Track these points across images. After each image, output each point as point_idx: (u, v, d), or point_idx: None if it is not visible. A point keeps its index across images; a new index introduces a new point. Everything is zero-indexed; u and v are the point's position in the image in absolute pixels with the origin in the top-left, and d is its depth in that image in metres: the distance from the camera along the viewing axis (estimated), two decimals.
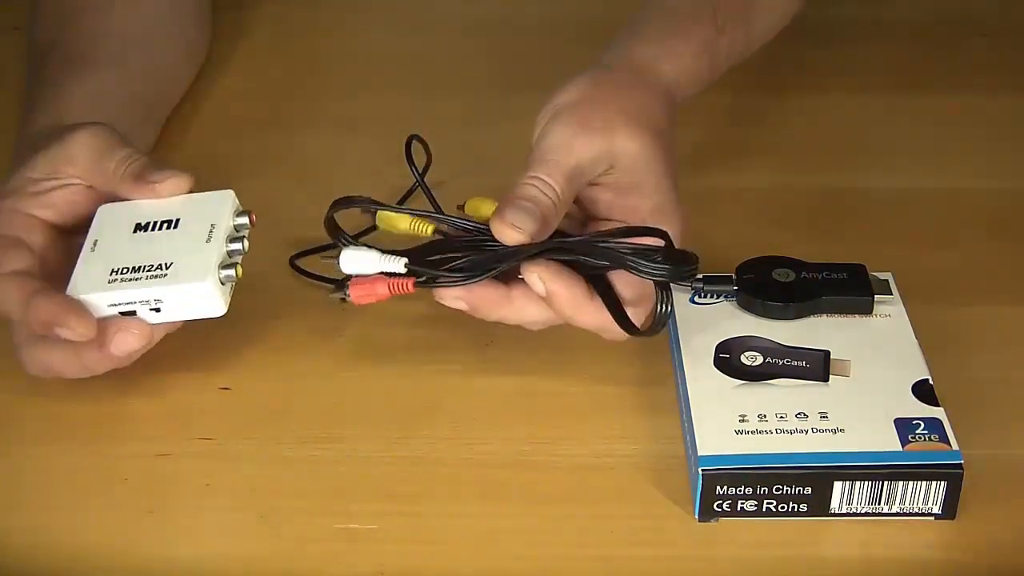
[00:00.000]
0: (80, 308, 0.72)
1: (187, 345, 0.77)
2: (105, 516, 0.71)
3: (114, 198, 0.77)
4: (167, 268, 0.73)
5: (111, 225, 0.75)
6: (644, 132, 0.76)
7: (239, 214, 0.75)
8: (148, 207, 0.76)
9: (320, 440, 0.75)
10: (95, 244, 0.75)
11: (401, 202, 0.89)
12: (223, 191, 0.75)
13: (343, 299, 0.73)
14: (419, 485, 0.73)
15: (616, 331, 0.74)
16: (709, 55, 0.84)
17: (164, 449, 0.74)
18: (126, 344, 0.72)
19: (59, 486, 0.73)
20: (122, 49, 0.92)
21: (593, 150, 0.75)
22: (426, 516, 0.71)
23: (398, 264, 0.72)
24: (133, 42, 0.93)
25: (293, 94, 1.03)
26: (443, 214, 0.75)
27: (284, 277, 0.85)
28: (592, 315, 0.73)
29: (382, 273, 0.73)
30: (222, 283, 0.73)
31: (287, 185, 0.93)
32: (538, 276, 0.72)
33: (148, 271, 0.73)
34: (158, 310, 0.72)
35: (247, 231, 0.75)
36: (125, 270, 0.73)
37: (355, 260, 0.73)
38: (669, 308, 0.72)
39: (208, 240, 0.73)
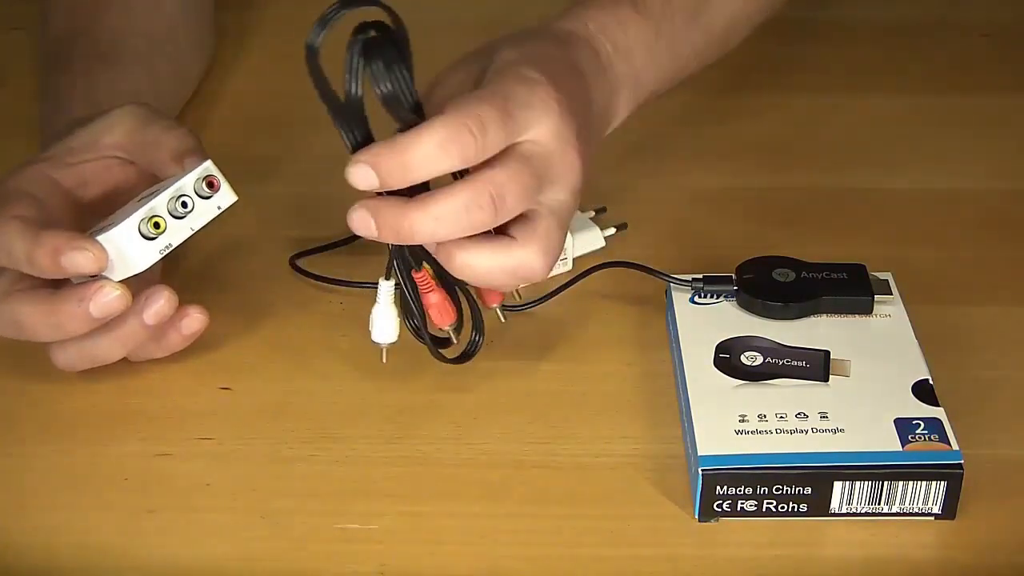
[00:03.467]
0: (93, 239, 0.72)
1: (187, 345, 0.77)
2: (105, 516, 0.71)
3: (152, 171, 0.77)
4: (108, 227, 0.73)
5: (134, 199, 0.77)
6: (521, 45, 0.74)
7: (204, 180, 0.74)
8: (163, 183, 0.76)
9: (320, 440, 0.75)
10: (111, 215, 0.76)
11: None
12: (202, 159, 0.75)
13: (449, 339, 0.74)
14: (419, 485, 0.73)
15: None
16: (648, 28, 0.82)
17: (164, 449, 0.74)
18: (107, 304, 0.72)
19: (59, 486, 0.73)
20: (146, 49, 0.92)
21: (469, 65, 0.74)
22: (426, 516, 0.71)
23: (389, 286, 0.73)
24: (155, 43, 0.94)
25: (295, 94, 1.02)
26: None
27: (284, 277, 0.85)
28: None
29: (398, 287, 0.73)
30: (145, 237, 0.73)
31: (287, 185, 0.93)
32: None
33: (101, 230, 0.74)
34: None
35: (213, 195, 0.74)
36: (95, 230, 0.74)
37: (382, 323, 0.74)
38: None
39: (153, 196, 0.73)
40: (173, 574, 0.69)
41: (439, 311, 0.73)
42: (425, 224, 0.69)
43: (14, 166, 0.78)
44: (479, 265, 0.71)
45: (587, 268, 0.83)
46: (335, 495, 0.72)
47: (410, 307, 0.73)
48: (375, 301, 0.74)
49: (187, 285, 0.83)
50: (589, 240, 0.86)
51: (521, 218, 0.72)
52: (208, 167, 0.74)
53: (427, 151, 0.68)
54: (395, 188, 0.69)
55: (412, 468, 0.73)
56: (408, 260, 0.72)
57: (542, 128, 0.71)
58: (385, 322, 0.74)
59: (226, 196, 0.75)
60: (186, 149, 0.77)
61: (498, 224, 0.71)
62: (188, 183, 0.74)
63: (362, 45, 0.68)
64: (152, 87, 0.90)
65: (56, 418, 0.76)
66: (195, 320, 0.76)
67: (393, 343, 0.74)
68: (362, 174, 0.69)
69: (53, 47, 0.93)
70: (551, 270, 0.73)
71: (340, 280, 0.84)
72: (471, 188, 0.69)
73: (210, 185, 0.74)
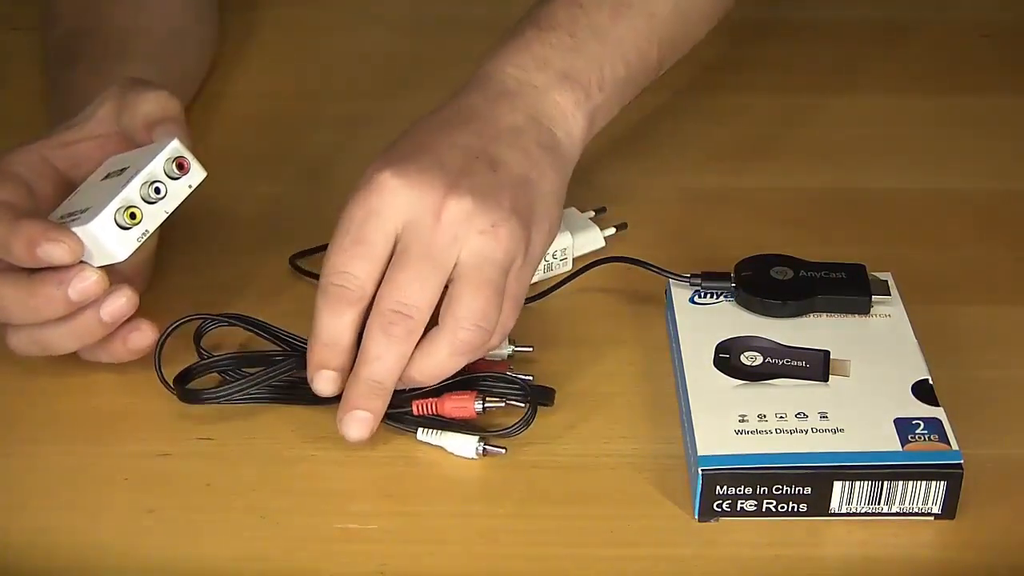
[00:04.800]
0: (70, 230, 0.72)
1: (187, 346, 0.77)
2: (105, 516, 0.71)
3: (129, 136, 0.77)
4: (82, 214, 0.73)
5: (99, 173, 0.76)
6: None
7: (174, 161, 0.74)
8: (130, 156, 0.76)
9: (320, 440, 0.75)
10: (76, 192, 0.76)
11: None
12: (166, 140, 0.74)
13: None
14: (419, 485, 0.73)
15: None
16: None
17: (164, 449, 0.74)
18: (85, 288, 0.72)
19: (59, 486, 0.73)
20: (155, 48, 0.92)
21: None
22: (426, 516, 0.71)
23: (424, 434, 0.74)
24: (163, 42, 0.94)
25: (296, 94, 1.03)
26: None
27: (284, 277, 0.85)
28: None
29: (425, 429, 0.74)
30: (122, 227, 0.72)
31: (288, 185, 0.93)
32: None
33: (72, 217, 0.73)
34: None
35: (183, 176, 0.74)
36: (64, 216, 0.74)
37: (457, 448, 0.74)
38: None
39: (124, 184, 0.73)
40: (173, 574, 0.69)
41: (458, 409, 0.74)
42: (360, 379, 0.72)
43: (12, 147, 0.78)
44: (426, 369, 0.72)
45: (586, 264, 0.83)
46: (335, 495, 0.72)
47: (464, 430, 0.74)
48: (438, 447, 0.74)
49: (186, 284, 0.83)
50: (589, 240, 0.86)
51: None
52: (176, 148, 0.74)
53: (323, 325, 0.72)
54: (343, 369, 0.73)
55: (412, 468, 0.73)
56: (401, 413, 0.74)
57: (392, 213, 0.72)
58: (457, 446, 0.73)
59: (196, 174, 0.74)
60: (159, 115, 0.76)
61: (425, 320, 0.72)
62: (158, 167, 0.73)
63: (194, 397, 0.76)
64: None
65: (56, 418, 0.76)
66: (143, 335, 0.75)
67: (479, 445, 0.73)
68: (323, 381, 0.73)
69: (62, 43, 0.92)
70: (492, 305, 0.72)
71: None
72: (374, 321, 0.71)
73: (180, 167, 0.73)
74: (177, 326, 0.77)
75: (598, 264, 0.83)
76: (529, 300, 0.82)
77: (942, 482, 0.69)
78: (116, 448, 0.75)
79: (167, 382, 0.76)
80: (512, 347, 0.78)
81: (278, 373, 0.75)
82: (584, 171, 0.93)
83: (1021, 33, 1.08)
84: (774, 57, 1.04)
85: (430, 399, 0.74)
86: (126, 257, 0.73)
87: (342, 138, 0.97)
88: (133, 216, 0.73)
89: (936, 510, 0.70)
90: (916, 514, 0.70)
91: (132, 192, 0.73)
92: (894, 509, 0.70)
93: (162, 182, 0.73)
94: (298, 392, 0.76)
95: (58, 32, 0.94)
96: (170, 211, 0.74)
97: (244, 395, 0.75)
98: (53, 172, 0.77)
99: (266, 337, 0.77)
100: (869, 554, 0.69)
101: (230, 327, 0.78)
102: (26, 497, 0.72)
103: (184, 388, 0.75)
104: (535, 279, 0.84)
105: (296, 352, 0.77)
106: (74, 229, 0.72)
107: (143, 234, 0.73)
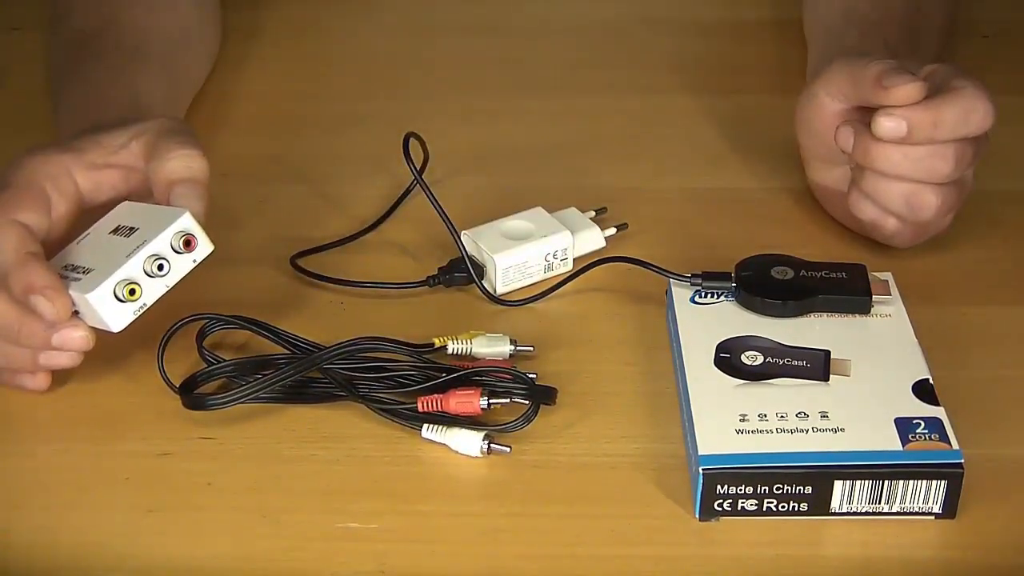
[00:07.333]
0: (65, 292, 0.72)
1: (188, 345, 0.77)
2: (105, 516, 0.71)
3: (150, 184, 0.77)
4: (84, 275, 0.73)
5: (110, 221, 0.76)
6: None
7: (181, 237, 0.73)
8: (143, 212, 0.76)
9: (320, 440, 0.75)
10: (86, 236, 0.76)
11: (400, 200, 0.90)
12: (177, 210, 0.74)
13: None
14: (419, 485, 0.73)
15: None
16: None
17: (165, 449, 0.74)
18: (71, 339, 0.72)
19: (60, 485, 0.73)
20: (167, 48, 0.93)
21: None
22: (426, 516, 0.71)
23: (429, 430, 0.74)
24: (174, 41, 0.94)
25: (299, 94, 1.03)
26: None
27: (285, 276, 0.85)
28: None
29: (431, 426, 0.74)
30: (120, 300, 0.72)
31: (289, 184, 0.93)
32: None
33: (75, 271, 0.73)
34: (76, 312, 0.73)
35: (188, 253, 0.73)
36: (68, 267, 0.74)
37: (462, 445, 0.73)
38: None
39: (129, 255, 0.72)
40: (173, 574, 0.69)
41: (463, 404, 0.74)
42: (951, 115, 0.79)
43: (44, 144, 0.78)
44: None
45: (586, 264, 0.83)
46: (335, 495, 0.72)
47: (469, 427, 0.74)
48: (442, 445, 0.74)
49: (186, 283, 0.83)
50: (590, 240, 0.86)
51: None
52: (185, 224, 0.73)
53: (955, 115, 0.79)
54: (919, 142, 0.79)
55: (412, 468, 0.73)
56: (401, 409, 0.74)
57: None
58: (462, 443, 0.73)
59: (203, 249, 0.74)
60: (184, 174, 0.75)
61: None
62: (164, 243, 0.73)
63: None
64: (172, 88, 0.91)
65: (56, 418, 0.76)
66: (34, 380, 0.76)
67: (484, 444, 0.73)
68: (892, 125, 0.78)
69: (75, 39, 0.92)
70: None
71: (341, 280, 0.84)
72: (961, 96, 0.80)
73: (187, 243, 0.73)
74: (180, 326, 0.77)
75: (599, 264, 0.83)
76: (529, 300, 0.82)
77: (943, 482, 0.69)
78: (116, 448, 0.75)
79: (171, 383, 0.76)
80: (513, 347, 0.78)
81: (283, 378, 0.75)
82: (584, 171, 0.93)
83: (1021, 33, 1.08)
84: (774, 57, 1.04)
85: (435, 395, 0.74)
86: (120, 330, 0.73)
87: (343, 138, 0.98)
88: (132, 292, 0.72)
89: (937, 510, 0.70)
90: (917, 514, 0.70)
91: (134, 268, 0.72)
92: (895, 509, 0.70)
93: (166, 259, 0.73)
94: (301, 391, 0.76)
95: (69, 28, 0.94)
96: (171, 285, 0.74)
97: (250, 399, 0.75)
98: (74, 191, 0.76)
99: (270, 339, 0.78)
100: (869, 554, 0.69)
101: (230, 327, 0.78)
102: (26, 497, 0.72)
103: (190, 396, 0.75)
104: (534, 279, 0.84)
105: (299, 354, 0.77)
106: (73, 294, 0.72)
107: (141, 307, 0.73)
